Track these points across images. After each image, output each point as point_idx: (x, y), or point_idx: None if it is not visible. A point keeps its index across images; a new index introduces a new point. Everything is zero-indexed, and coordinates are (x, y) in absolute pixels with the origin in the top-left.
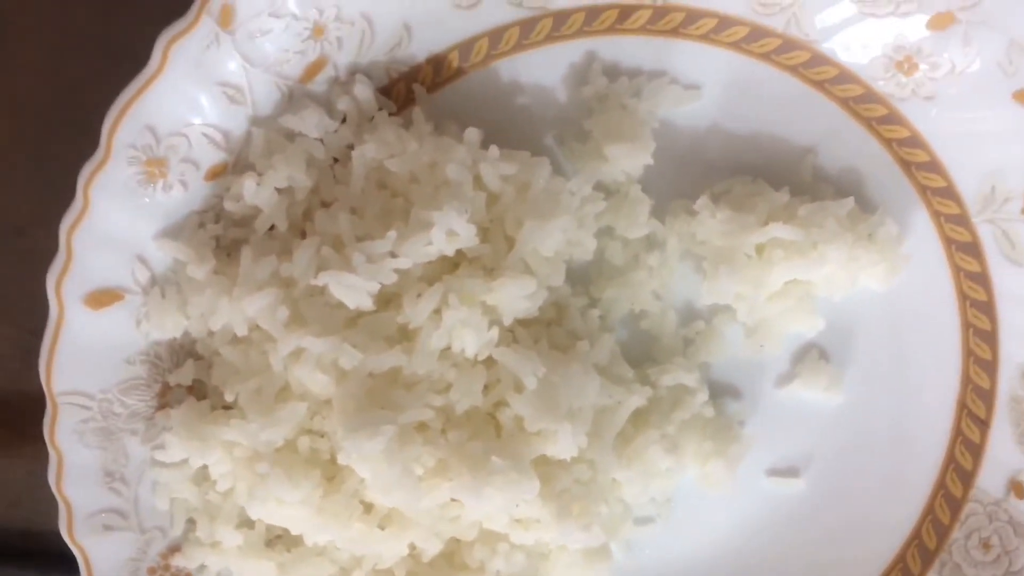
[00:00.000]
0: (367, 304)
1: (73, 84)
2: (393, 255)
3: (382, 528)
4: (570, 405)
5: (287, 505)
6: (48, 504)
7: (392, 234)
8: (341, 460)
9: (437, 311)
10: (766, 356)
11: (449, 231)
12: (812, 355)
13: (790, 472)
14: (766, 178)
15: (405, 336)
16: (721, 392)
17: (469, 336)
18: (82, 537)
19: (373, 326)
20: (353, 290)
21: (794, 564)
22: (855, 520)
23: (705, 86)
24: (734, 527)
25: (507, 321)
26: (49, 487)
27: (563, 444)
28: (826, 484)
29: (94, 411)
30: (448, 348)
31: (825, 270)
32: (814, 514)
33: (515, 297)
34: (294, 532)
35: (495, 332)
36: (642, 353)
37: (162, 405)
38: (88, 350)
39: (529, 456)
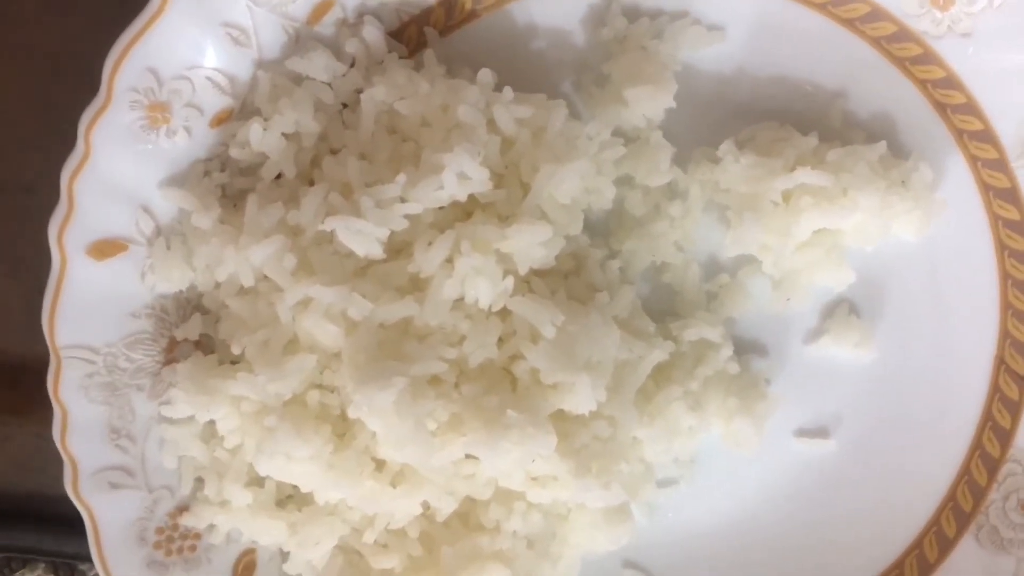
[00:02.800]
0: (377, 252)
1: (79, 35)
2: (403, 200)
3: (394, 486)
4: (588, 357)
5: (296, 461)
6: (59, 468)
7: (402, 178)
8: (351, 413)
9: (449, 260)
10: (793, 311)
11: (460, 174)
12: (842, 310)
13: (820, 433)
14: (794, 124)
15: (417, 286)
16: (747, 349)
17: (483, 285)
18: (88, 495)
19: (383, 275)
20: (362, 236)
21: (824, 527)
22: (887, 482)
23: (729, 27)
24: (761, 490)
25: (522, 270)
26: (59, 450)
27: (580, 397)
28: (857, 445)
29: (99, 365)
30: (462, 299)
31: (855, 218)
32: (845, 476)
33: (530, 244)
34: (304, 489)
35: (510, 281)
36: (664, 307)
37: (168, 360)
38: (92, 302)
39: (546, 410)
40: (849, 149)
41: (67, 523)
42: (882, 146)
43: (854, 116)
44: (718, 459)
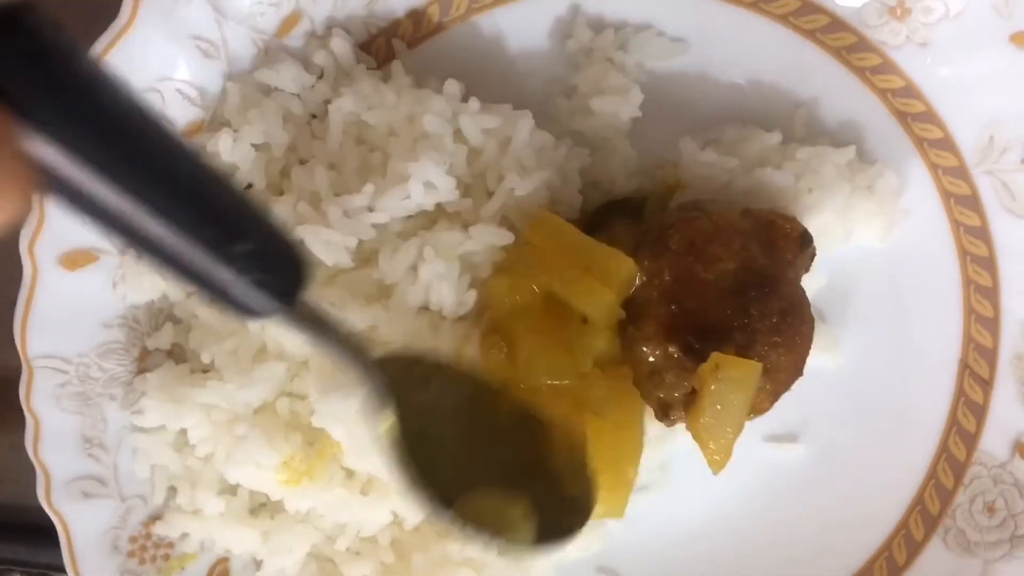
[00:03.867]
0: (345, 261)
1: None
2: (371, 209)
3: (364, 494)
4: None
5: (266, 468)
6: (33, 478)
7: (369, 188)
8: (315, 422)
9: (414, 267)
10: None
11: (427, 183)
12: None
13: (788, 437)
14: None
15: (384, 293)
16: None
17: (446, 291)
18: (60, 504)
19: (351, 283)
20: (330, 246)
21: (793, 531)
22: (856, 485)
23: (692, 38)
24: (732, 495)
25: (485, 273)
26: (32, 460)
27: None
28: (825, 449)
29: (71, 375)
30: (428, 309)
31: (819, 220)
32: (814, 480)
33: (492, 246)
34: (274, 497)
35: (473, 294)
36: None
37: (141, 370)
38: (64, 312)
39: None
40: (819, 149)
41: (42, 533)
42: (851, 150)
43: (817, 125)
44: (689, 465)
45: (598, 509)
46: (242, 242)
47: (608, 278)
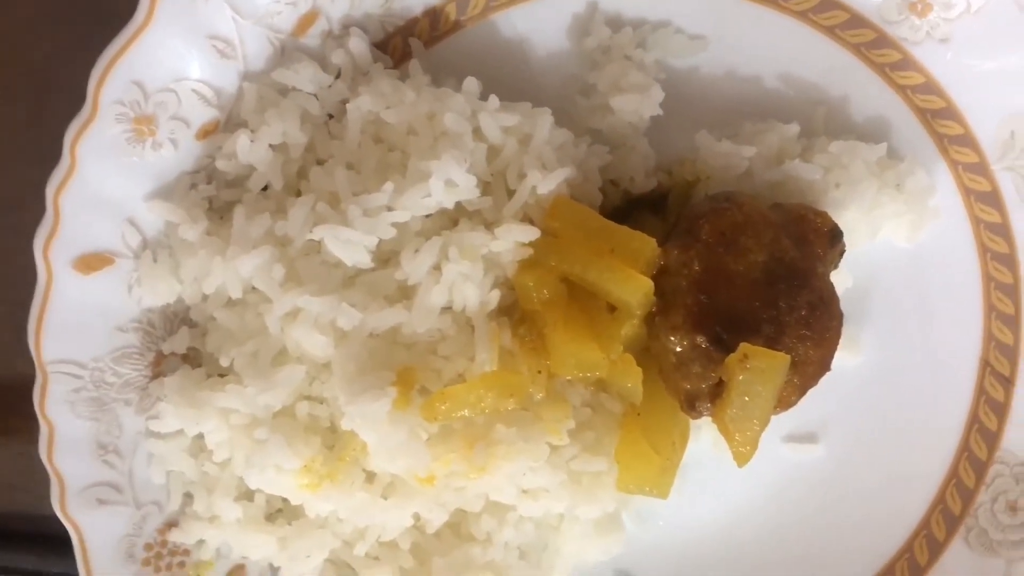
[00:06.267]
0: (365, 261)
1: (62, 52)
2: (390, 209)
3: (385, 498)
4: None
5: (287, 472)
6: (43, 486)
7: (389, 186)
8: (345, 426)
9: (437, 267)
10: None
11: (448, 181)
12: None
13: (808, 438)
14: None
15: (405, 294)
16: None
17: (470, 291)
18: (75, 512)
19: (372, 284)
20: (350, 245)
21: (813, 532)
22: (876, 485)
23: (711, 35)
24: (751, 495)
25: (510, 272)
26: (44, 469)
27: None
28: (845, 449)
29: (86, 380)
30: (451, 308)
31: (846, 216)
32: (833, 480)
33: (517, 244)
34: (294, 502)
35: (496, 294)
36: None
37: (156, 374)
38: (78, 317)
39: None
40: (850, 144)
41: (51, 542)
42: (882, 148)
43: (837, 122)
44: (708, 466)
45: (645, 489)
46: None
47: (633, 259)
